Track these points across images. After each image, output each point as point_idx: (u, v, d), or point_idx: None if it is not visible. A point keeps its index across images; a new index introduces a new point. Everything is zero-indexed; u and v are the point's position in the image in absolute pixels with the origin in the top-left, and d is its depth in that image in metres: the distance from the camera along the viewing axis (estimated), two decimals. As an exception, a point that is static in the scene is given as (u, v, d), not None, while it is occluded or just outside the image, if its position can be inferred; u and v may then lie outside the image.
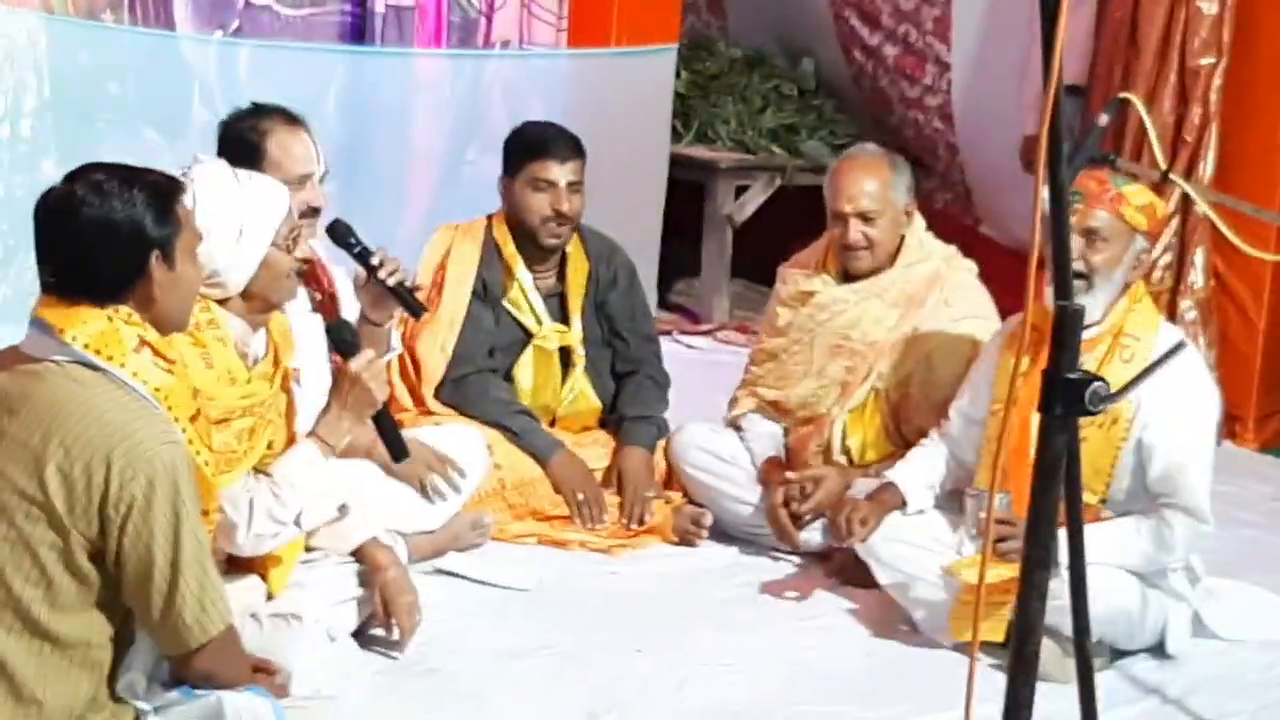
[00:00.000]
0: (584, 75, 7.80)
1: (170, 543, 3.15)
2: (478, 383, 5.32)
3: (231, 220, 3.78)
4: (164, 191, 3.31)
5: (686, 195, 8.54)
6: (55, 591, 3.16)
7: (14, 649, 3.15)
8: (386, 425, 4.11)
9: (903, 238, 5.24)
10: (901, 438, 5.19)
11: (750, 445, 5.37)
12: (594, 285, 5.54)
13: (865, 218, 5.14)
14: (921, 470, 4.85)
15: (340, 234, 4.61)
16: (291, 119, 4.53)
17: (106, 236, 3.22)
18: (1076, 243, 4.36)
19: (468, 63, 7.57)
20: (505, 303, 5.42)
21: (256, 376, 3.85)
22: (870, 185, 5.14)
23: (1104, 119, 4.45)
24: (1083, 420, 4.28)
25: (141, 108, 6.43)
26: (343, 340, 4.08)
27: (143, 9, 6.52)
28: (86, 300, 3.24)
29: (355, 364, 3.98)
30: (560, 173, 5.30)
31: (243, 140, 4.45)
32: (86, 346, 3.20)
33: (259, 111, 4.55)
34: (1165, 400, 4.35)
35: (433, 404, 5.34)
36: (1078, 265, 4.38)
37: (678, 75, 8.56)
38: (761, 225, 8.80)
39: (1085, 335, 4.37)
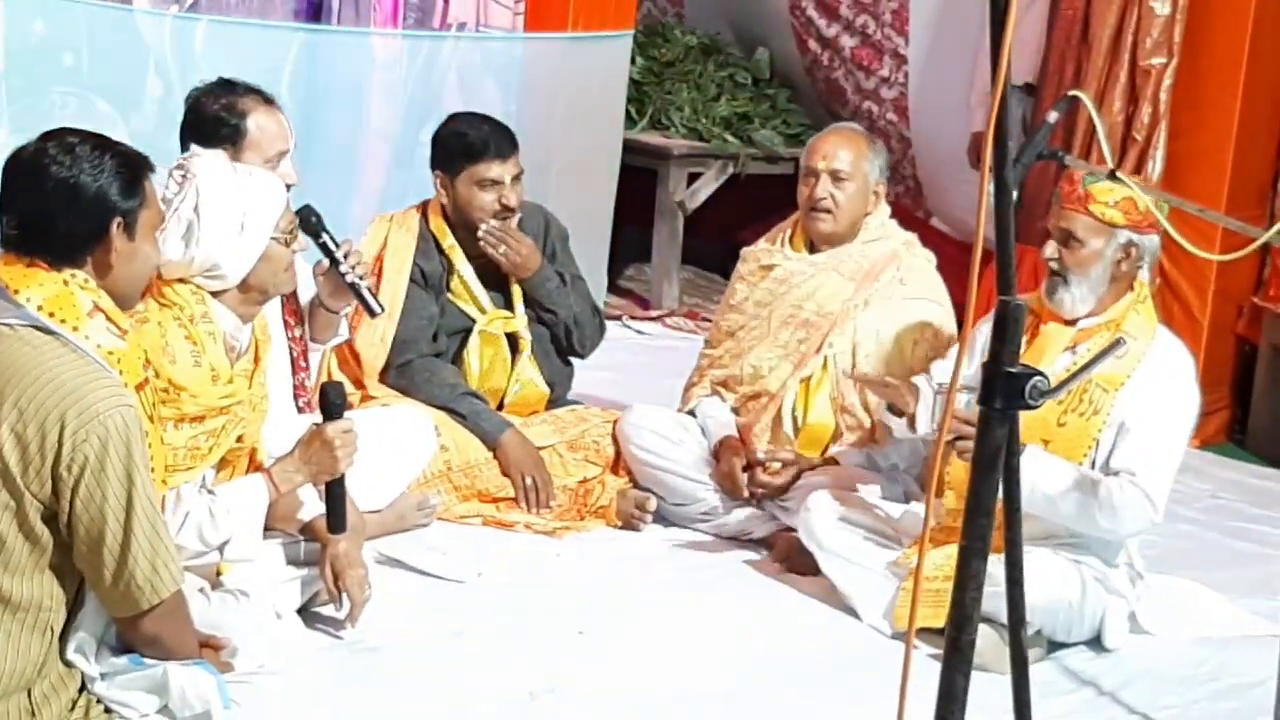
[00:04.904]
0: (539, 59, 7.79)
1: (122, 504, 3.18)
2: (423, 367, 5.33)
3: (233, 213, 3.82)
4: (133, 163, 3.35)
5: (639, 181, 8.55)
6: (8, 553, 3.18)
7: None
8: (336, 494, 4.13)
9: (866, 216, 5.33)
10: (844, 410, 5.24)
11: (704, 427, 5.41)
12: None
13: (836, 177, 5.25)
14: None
15: (310, 222, 4.62)
16: (267, 99, 4.55)
17: (71, 197, 3.26)
18: (1054, 243, 4.48)
19: (424, 43, 7.55)
20: (448, 293, 5.42)
21: (238, 374, 3.87)
22: (847, 149, 5.29)
23: (1054, 116, 4.51)
24: (1063, 409, 4.39)
25: (96, 80, 6.38)
26: (330, 402, 4.12)
27: (99, -19, 6.50)
28: (44, 260, 3.26)
29: (332, 429, 4.04)
30: (503, 170, 5.32)
31: (220, 120, 4.46)
32: (40, 309, 3.22)
33: (231, 89, 4.54)
34: (1148, 394, 4.41)
35: (375, 389, 5.33)
36: (1054, 264, 4.48)
37: (633, 61, 8.57)
38: (713, 213, 8.84)
39: (1082, 325, 4.47)
